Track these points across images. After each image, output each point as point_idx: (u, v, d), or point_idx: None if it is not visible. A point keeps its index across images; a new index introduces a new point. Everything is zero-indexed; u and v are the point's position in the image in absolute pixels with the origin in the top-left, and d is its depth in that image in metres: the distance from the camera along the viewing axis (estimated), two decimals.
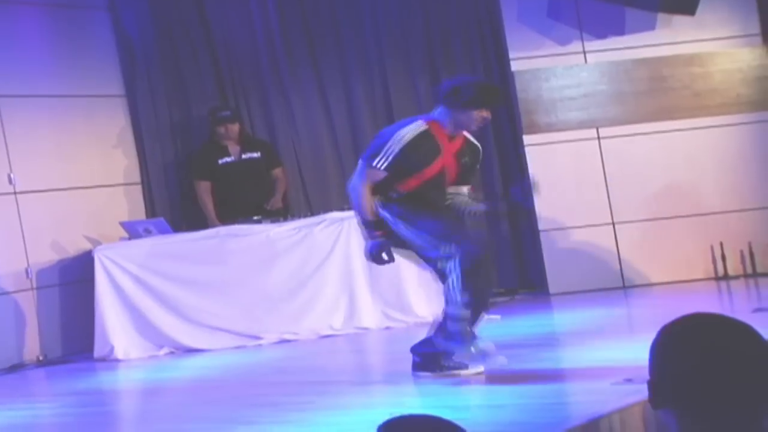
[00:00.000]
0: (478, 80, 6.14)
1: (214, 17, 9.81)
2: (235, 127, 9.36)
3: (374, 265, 8.25)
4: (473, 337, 5.72)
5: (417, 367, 5.94)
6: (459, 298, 5.65)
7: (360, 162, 5.91)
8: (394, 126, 5.98)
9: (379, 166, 5.75)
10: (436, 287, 8.24)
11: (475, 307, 5.70)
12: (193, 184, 9.43)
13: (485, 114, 5.84)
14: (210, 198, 9.31)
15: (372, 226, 5.82)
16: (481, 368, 5.76)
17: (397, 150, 5.74)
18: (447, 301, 5.74)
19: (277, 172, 9.49)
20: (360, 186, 5.82)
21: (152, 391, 7.29)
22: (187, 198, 9.63)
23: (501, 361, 5.70)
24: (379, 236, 5.82)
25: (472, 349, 5.69)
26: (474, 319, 5.74)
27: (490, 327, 7.95)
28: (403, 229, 5.79)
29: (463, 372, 5.77)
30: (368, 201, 5.81)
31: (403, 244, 5.90)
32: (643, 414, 4.69)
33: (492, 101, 5.90)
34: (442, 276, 5.76)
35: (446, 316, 5.76)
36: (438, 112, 5.90)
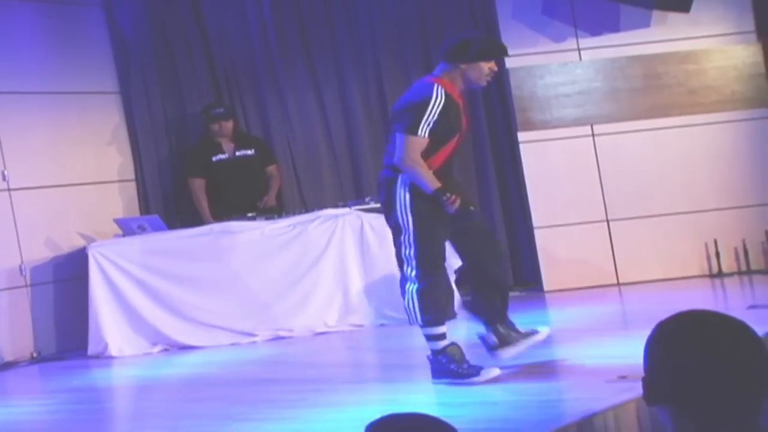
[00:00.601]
0: (481, 34, 6.08)
1: (209, 14, 9.79)
2: (229, 125, 9.35)
3: (368, 262, 8.35)
4: (455, 353, 5.70)
5: (434, 373, 5.81)
6: (420, 318, 5.70)
7: (399, 136, 5.65)
8: (415, 93, 5.77)
9: (423, 134, 5.58)
10: None
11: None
12: (187, 182, 9.42)
13: (494, 67, 5.78)
14: (204, 195, 9.30)
15: (444, 191, 5.55)
16: (496, 371, 5.67)
17: (436, 115, 5.59)
18: (409, 318, 5.81)
19: (272, 169, 9.48)
20: (417, 159, 5.57)
21: (146, 389, 7.28)
22: (181, 195, 9.61)
23: (494, 372, 5.68)
24: (455, 198, 5.55)
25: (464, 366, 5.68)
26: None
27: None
28: (406, 219, 5.68)
29: (475, 378, 5.65)
30: (428, 170, 5.59)
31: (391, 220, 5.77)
32: (638, 411, 4.69)
33: (500, 51, 5.89)
34: (401, 280, 5.80)
35: (425, 337, 5.78)
36: (442, 70, 5.77)
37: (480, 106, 9.65)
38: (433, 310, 5.69)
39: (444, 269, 5.80)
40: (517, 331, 5.95)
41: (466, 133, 6.01)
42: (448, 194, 5.54)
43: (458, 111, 5.72)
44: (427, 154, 5.65)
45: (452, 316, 5.83)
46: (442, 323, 5.73)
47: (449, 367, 5.67)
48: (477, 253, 5.89)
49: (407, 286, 5.74)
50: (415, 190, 5.65)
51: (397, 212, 5.70)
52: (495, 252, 5.92)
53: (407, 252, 5.70)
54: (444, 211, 5.64)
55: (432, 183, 5.58)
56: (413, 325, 5.88)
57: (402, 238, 5.71)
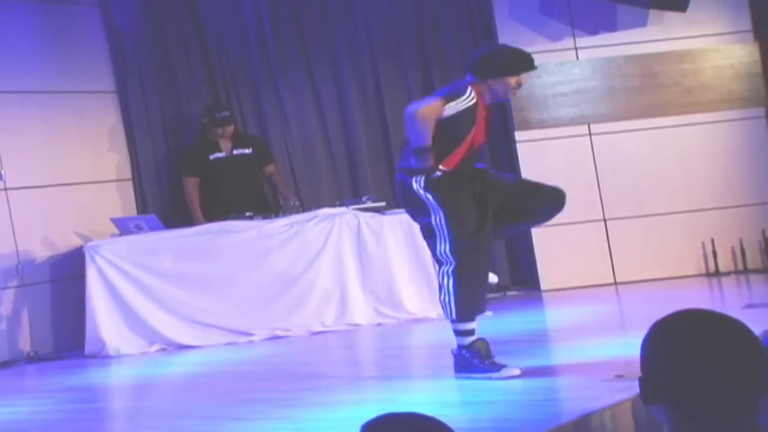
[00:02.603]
0: (508, 47, 5.96)
1: (205, 13, 9.78)
2: (230, 128, 9.33)
3: (365, 261, 8.34)
4: (484, 351, 5.69)
5: (456, 368, 5.80)
6: (454, 309, 5.68)
7: (431, 97, 5.78)
8: (451, 87, 5.85)
9: (446, 109, 5.59)
10: (427, 283, 8.28)
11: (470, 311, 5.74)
12: (182, 181, 9.40)
13: (521, 80, 5.75)
14: (197, 195, 9.27)
15: (426, 150, 5.56)
16: (516, 371, 5.65)
17: (461, 108, 5.62)
18: (444, 312, 5.78)
19: (270, 168, 9.44)
20: (428, 115, 5.59)
21: (143, 388, 7.28)
22: (178, 194, 9.60)
23: (514, 372, 5.67)
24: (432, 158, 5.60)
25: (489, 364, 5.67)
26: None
27: (483, 324, 7.98)
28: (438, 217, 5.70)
29: (494, 375, 5.64)
30: (429, 130, 5.59)
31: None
32: (635, 410, 4.69)
33: (526, 65, 5.78)
34: (438, 266, 5.79)
35: (454, 332, 5.77)
36: (470, 81, 5.77)
37: None
38: (467, 305, 5.66)
39: (485, 250, 5.72)
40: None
41: (482, 145, 5.96)
42: (429, 155, 5.55)
43: (472, 122, 5.72)
44: (439, 155, 5.66)
45: (483, 310, 5.82)
46: (473, 319, 5.72)
47: (472, 361, 5.68)
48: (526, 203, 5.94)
49: (444, 281, 5.71)
50: (431, 183, 5.66)
51: (425, 203, 5.70)
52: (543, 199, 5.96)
53: (442, 232, 5.66)
54: (463, 181, 5.69)
55: (423, 140, 5.56)
56: (448, 319, 5.83)
57: (432, 220, 5.68)
